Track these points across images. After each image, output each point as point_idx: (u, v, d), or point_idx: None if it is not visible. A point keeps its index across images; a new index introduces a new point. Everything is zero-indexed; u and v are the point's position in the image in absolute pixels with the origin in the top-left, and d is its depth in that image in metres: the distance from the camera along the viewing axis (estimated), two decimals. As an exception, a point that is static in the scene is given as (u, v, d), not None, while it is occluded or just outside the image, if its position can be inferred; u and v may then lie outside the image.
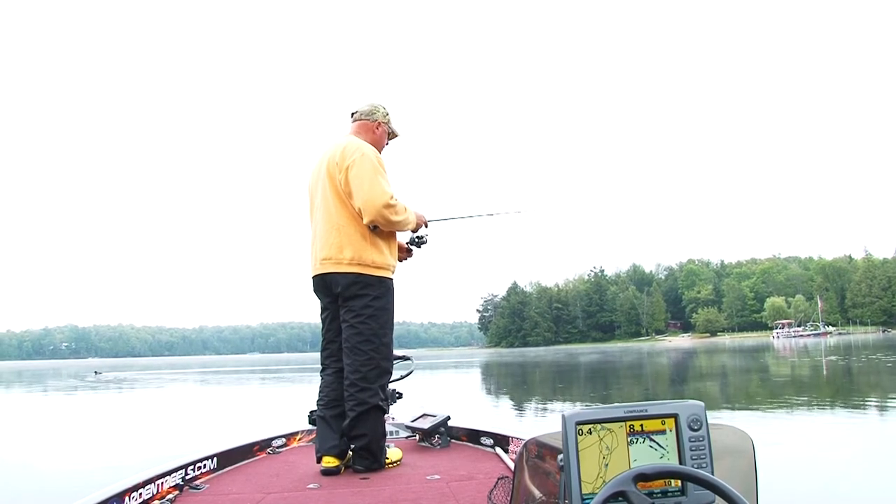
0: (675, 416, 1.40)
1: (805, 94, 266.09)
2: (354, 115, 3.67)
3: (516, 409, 12.24)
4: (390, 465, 3.41)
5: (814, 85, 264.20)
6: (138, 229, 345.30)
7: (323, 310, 3.55)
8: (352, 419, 3.29)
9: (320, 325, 3.58)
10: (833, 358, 26.92)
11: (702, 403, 1.42)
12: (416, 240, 3.78)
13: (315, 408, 3.58)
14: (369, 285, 3.36)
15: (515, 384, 20.46)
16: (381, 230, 3.42)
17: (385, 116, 3.67)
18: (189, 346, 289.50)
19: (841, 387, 14.70)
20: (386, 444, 3.48)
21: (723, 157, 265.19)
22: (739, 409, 10.61)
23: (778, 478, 5.19)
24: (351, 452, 3.36)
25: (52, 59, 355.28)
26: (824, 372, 19.62)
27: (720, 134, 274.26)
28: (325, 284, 3.43)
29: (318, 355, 3.59)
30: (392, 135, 3.75)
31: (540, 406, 12.71)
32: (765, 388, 15.52)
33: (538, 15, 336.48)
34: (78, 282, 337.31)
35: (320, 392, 3.48)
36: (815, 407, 10.38)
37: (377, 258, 3.39)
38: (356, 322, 3.34)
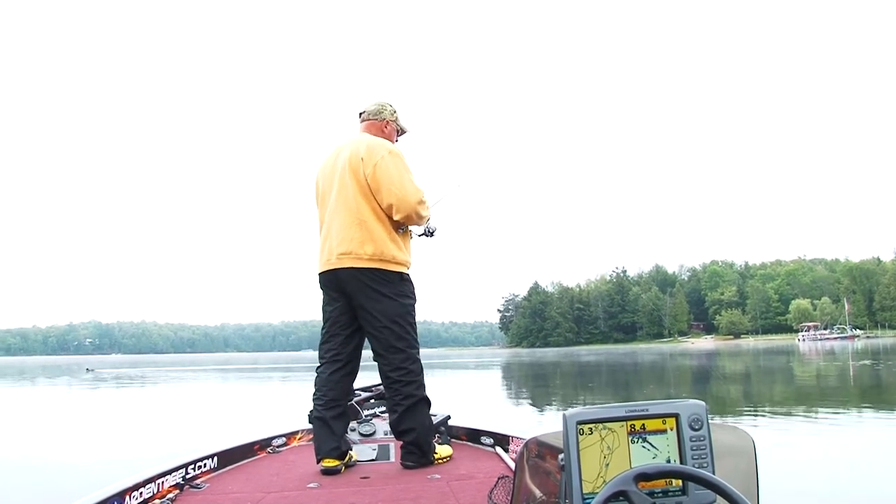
0: (676, 416, 1.40)
1: (832, 92, 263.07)
2: (362, 115, 3.65)
3: (521, 409, 12.19)
4: (439, 461, 3.36)
5: (841, 84, 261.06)
6: (162, 227, 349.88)
7: (331, 301, 3.46)
8: (400, 413, 3.28)
9: (323, 316, 3.50)
10: (866, 362, 26.36)
11: (703, 403, 1.41)
12: (429, 231, 3.76)
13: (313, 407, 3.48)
14: (391, 282, 3.33)
15: (527, 384, 20.38)
16: (400, 227, 3.41)
17: (392, 114, 3.65)
18: (211, 344, 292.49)
19: (866, 391, 14.41)
20: (435, 440, 3.45)
21: (748, 157, 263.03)
22: (756, 410, 10.41)
23: (780, 478, 5.10)
24: (402, 448, 3.35)
25: (76, 62, 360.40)
26: (851, 376, 19.26)
27: (746, 133, 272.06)
28: (337, 280, 3.35)
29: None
30: (401, 131, 3.74)
31: (546, 405, 12.60)
32: (787, 391, 15.30)
33: (552, 11, 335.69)
34: (102, 278, 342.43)
35: (318, 390, 3.38)
36: (834, 410, 10.19)
37: (398, 254, 3.36)
38: (388, 322, 3.30)
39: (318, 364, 3.45)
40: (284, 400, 16.09)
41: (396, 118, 3.67)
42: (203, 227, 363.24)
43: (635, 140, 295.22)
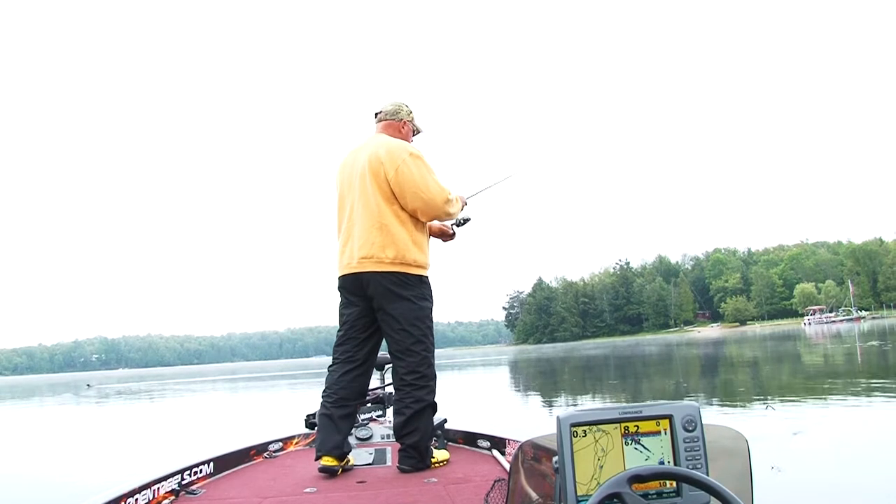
0: (669, 417, 1.39)
1: (830, 76, 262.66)
2: (379, 116, 3.66)
3: (523, 409, 12.18)
4: (436, 465, 3.37)
5: (839, 68, 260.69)
6: (164, 240, 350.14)
7: (348, 304, 3.46)
8: (408, 417, 3.28)
9: (340, 319, 3.50)
10: (873, 343, 26.19)
11: (697, 404, 1.40)
12: (462, 221, 3.82)
13: (312, 412, 3.49)
14: (412, 286, 3.34)
15: (530, 383, 20.32)
16: (421, 229, 3.43)
17: (409, 115, 3.68)
18: (217, 354, 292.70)
19: (875, 373, 14.32)
20: (433, 444, 3.46)
21: (746, 143, 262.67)
22: (764, 397, 10.36)
23: (777, 477, 5.05)
24: (400, 452, 3.34)
25: (91, 68, 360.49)
26: (858, 358, 19.18)
27: (743, 120, 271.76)
28: (358, 284, 3.36)
29: None
30: (416, 131, 3.76)
31: (548, 404, 12.58)
32: (794, 376, 15.25)
33: (550, 10, 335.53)
34: (106, 294, 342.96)
35: (329, 388, 3.37)
36: (841, 393, 10.13)
37: (419, 257, 3.38)
38: (406, 325, 3.32)
39: (332, 363, 3.44)
40: (287, 406, 16.06)
41: (412, 118, 3.70)
42: (205, 238, 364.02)
43: (633, 131, 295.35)
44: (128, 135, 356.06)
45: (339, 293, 3.50)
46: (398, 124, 3.61)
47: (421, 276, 3.40)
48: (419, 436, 3.27)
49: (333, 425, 3.25)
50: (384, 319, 3.35)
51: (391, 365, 3.50)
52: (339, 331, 3.48)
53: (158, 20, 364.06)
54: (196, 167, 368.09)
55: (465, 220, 3.83)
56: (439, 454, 3.44)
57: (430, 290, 3.48)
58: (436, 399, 3.39)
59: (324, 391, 3.38)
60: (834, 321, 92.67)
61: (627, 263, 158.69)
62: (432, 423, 3.39)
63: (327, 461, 3.20)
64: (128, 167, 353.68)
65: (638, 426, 1.39)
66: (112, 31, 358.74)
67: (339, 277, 3.44)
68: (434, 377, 3.39)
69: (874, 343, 26.40)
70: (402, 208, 3.33)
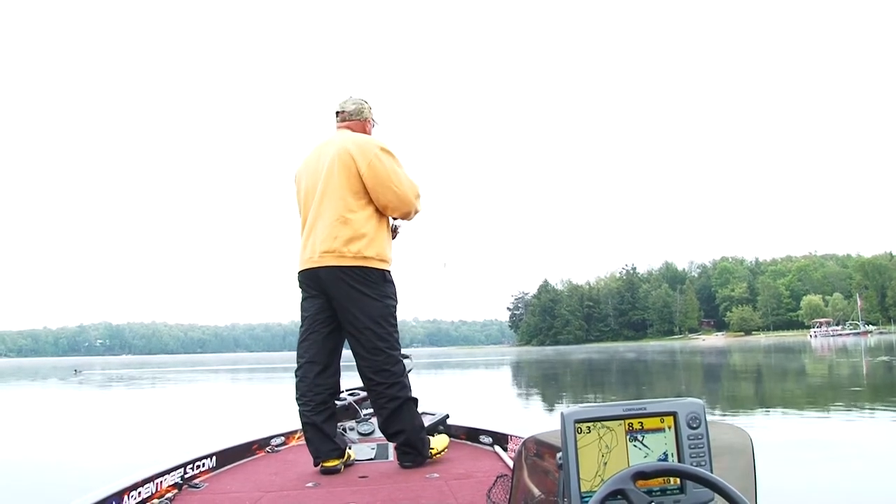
0: (673, 415, 1.39)
1: (841, 87, 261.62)
2: (341, 115, 3.59)
3: (522, 408, 12.16)
4: (438, 455, 3.36)
5: (850, 78, 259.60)
6: (171, 228, 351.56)
7: (309, 298, 3.40)
8: (387, 417, 3.25)
9: (301, 314, 3.44)
10: (883, 358, 25.95)
11: (701, 401, 1.41)
12: (394, 229, 3.68)
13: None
14: (374, 283, 3.28)
15: (533, 383, 20.33)
16: (386, 226, 3.39)
17: (370, 111, 3.64)
18: (221, 344, 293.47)
19: (880, 388, 14.25)
20: (429, 434, 3.43)
21: (758, 152, 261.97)
22: (766, 407, 10.32)
23: (778, 476, 5.03)
24: (397, 449, 3.33)
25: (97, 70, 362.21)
26: (864, 373, 19.08)
27: (755, 128, 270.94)
28: (318, 279, 3.29)
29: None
30: (374, 123, 3.72)
31: (550, 403, 12.58)
32: (798, 388, 15.20)
33: (566, 4, 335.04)
34: (112, 280, 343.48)
35: (304, 395, 3.30)
36: (845, 407, 10.08)
37: (381, 252, 3.33)
38: (370, 323, 3.25)
39: (298, 365, 3.38)
40: (288, 400, 16.01)
41: (372, 113, 3.64)
42: (212, 227, 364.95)
43: (644, 136, 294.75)
44: (139, 123, 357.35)
45: (299, 289, 3.45)
46: (363, 123, 3.56)
47: (384, 273, 3.34)
48: (407, 434, 3.24)
49: (322, 433, 3.20)
50: (346, 318, 3.28)
51: None
52: (301, 326, 3.43)
53: (146, 20, 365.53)
54: (202, 157, 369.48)
55: (396, 230, 3.66)
56: (437, 442, 3.41)
57: (394, 288, 3.41)
58: (411, 393, 3.32)
59: (299, 397, 3.31)
60: (840, 335, 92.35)
61: (634, 269, 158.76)
62: (418, 416, 3.34)
63: (328, 464, 3.18)
64: (135, 155, 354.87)
65: (642, 423, 1.39)
66: (96, 25, 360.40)
67: (299, 273, 3.38)
68: (403, 373, 3.33)
69: (883, 358, 26.17)
70: (369, 203, 3.28)
